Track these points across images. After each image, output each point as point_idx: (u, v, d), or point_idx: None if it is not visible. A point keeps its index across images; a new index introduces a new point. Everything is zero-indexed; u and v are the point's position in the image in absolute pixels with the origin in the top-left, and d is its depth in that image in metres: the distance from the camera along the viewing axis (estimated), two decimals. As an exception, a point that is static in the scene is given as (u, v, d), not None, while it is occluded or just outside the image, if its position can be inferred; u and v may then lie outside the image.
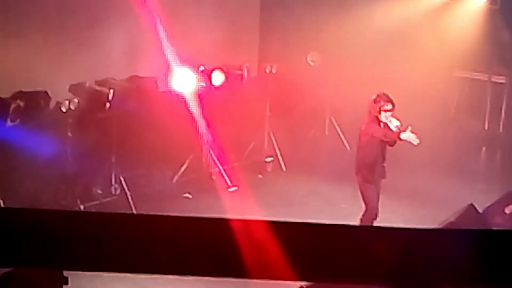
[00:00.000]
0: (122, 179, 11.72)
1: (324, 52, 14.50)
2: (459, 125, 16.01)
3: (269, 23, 14.84)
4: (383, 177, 10.18)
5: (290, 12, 14.72)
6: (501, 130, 15.86)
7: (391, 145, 10.07)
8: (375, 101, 9.87)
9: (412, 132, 9.68)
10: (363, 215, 10.14)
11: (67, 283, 5.10)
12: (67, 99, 10.94)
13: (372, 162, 9.98)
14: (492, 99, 15.87)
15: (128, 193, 11.63)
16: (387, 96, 9.87)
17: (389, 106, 9.80)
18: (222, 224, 3.31)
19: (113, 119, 11.62)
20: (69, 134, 10.99)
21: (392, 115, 9.84)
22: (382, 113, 9.80)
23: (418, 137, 9.69)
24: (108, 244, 3.26)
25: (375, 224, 10.11)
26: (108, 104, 11.38)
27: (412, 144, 9.76)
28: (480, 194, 12.06)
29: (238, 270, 3.28)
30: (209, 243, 3.30)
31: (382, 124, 9.85)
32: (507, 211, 10.83)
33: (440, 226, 9.81)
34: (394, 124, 9.82)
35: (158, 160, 12.44)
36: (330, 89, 14.86)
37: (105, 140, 11.56)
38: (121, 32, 12.19)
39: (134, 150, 11.91)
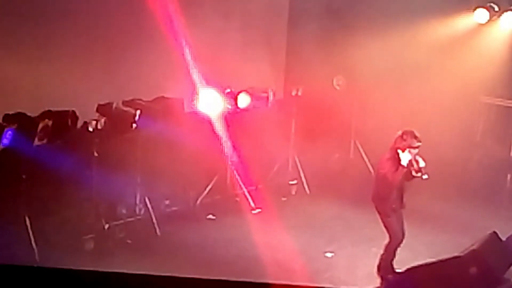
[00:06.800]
0: (146, 199, 11.80)
1: (350, 76, 14.51)
2: (484, 151, 15.91)
3: (295, 45, 14.87)
4: (401, 208, 10.09)
5: (316, 35, 14.76)
6: (526, 157, 15.74)
7: (407, 180, 9.98)
8: (402, 137, 9.72)
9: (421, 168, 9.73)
10: (388, 242, 10.15)
11: None
12: (94, 119, 11.03)
13: (386, 195, 9.90)
14: (518, 125, 15.76)
15: (152, 213, 11.70)
16: (414, 134, 9.74)
17: (416, 144, 9.68)
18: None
19: (139, 139, 11.69)
20: (95, 153, 11.08)
21: (417, 153, 9.75)
22: (410, 150, 9.68)
23: (426, 173, 9.74)
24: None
25: (399, 250, 10.11)
26: (134, 125, 11.45)
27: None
28: (504, 222, 11.99)
29: None
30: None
31: (407, 162, 9.69)
32: (530, 239, 10.76)
33: (462, 254, 9.79)
34: (420, 165, 9.75)
35: (183, 181, 12.49)
36: (355, 112, 14.86)
37: (130, 160, 11.62)
38: (149, 54, 12.31)
39: (159, 171, 11.93)
